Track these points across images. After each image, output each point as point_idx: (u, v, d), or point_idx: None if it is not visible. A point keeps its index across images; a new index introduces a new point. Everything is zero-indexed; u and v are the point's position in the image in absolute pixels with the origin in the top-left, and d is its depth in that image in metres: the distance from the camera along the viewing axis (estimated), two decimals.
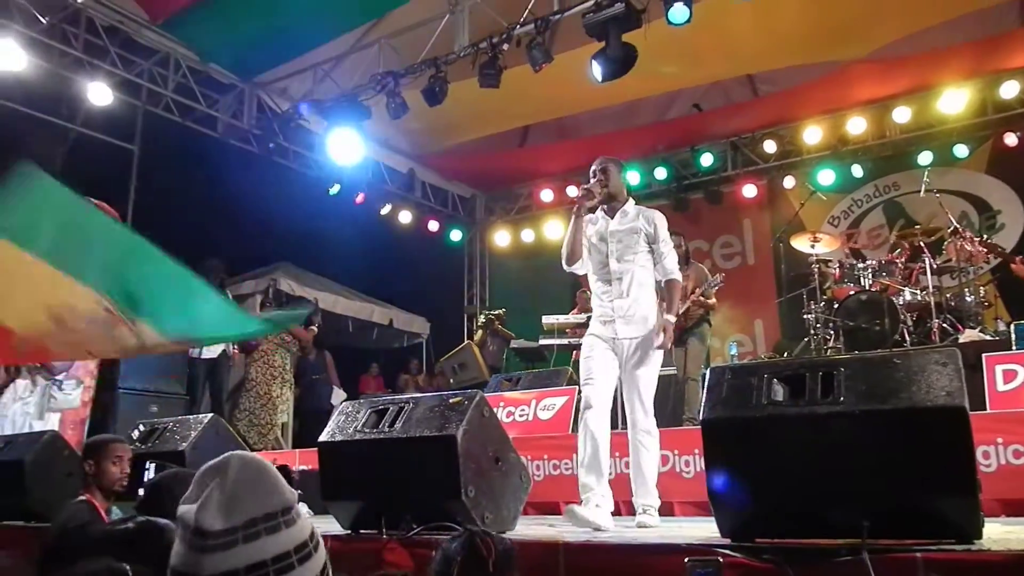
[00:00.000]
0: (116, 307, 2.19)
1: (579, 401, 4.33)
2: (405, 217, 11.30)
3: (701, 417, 2.63)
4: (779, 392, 2.54)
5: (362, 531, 3.43)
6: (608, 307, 4.04)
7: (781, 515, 2.48)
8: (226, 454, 1.35)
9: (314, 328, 8.56)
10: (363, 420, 3.46)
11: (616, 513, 4.27)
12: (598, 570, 2.79)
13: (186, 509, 1.29)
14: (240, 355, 8.10)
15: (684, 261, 4.14)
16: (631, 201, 4.23)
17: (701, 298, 6.59)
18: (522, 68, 7.35)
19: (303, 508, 1.49)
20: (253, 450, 6.20)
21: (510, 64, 7.46)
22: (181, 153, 9.09)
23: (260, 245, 10.07)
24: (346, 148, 8.89)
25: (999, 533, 2.55)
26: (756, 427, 2.51)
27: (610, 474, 4.01)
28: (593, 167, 4.19)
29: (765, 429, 2.50)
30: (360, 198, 10.72)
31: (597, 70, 6.85)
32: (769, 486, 2.49)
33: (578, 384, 6.28)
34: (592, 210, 4.17)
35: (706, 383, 2.68)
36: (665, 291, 4.17)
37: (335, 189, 10.35)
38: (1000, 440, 3.84)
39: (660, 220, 4.15)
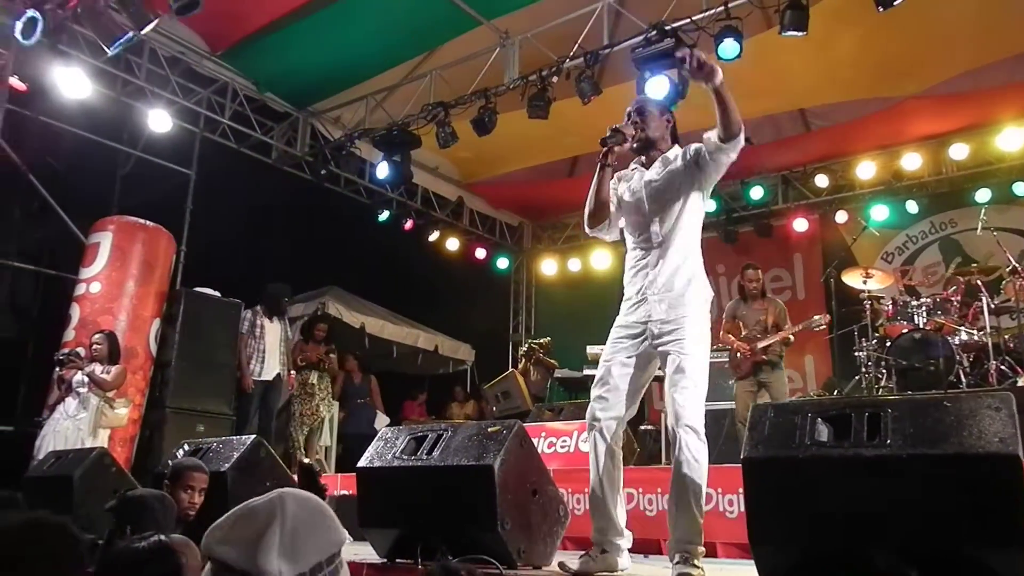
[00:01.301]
0: None
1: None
2: (453, 244, 11.40)
3: (742, 456, 2.58)
4: (823, 432, 2.48)
5: (398, 560, 3.43)
6: (640, 282, 3.34)
7: (823, 561, 2.40)
8: (276, 492, 1.30)
9: (322, 347, 8.55)
10: (402, 447, 3.47)
11: (712, 555, 4.10)
12: None
13: (229, 551, 1.21)
14: (294, 376, 8.22)
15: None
16: (676, 147, 3.46)
17: (785, 334, 6.71)
18: (571, 100, 7.40)
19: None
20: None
21: (559, 96, 7.53)
22: (236, 178, 9.32)
23: (310, 269, 10.24)
24: (394, 175, 9.02)
25: None
26: (798, 468, 2.45)
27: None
28: (629, 108, 3.50)
29: (808, 470, 2.43)
30: (409, 224, 10.88)
31: (654, 87, 6.75)
32: (811, 530, 2.42)
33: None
34: (623, 161, 3.48)
35: (748, 421, 2.62)
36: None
37: (385, 215, 10.52)
38: None
39: (687, 149, 3.39)
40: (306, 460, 2.46)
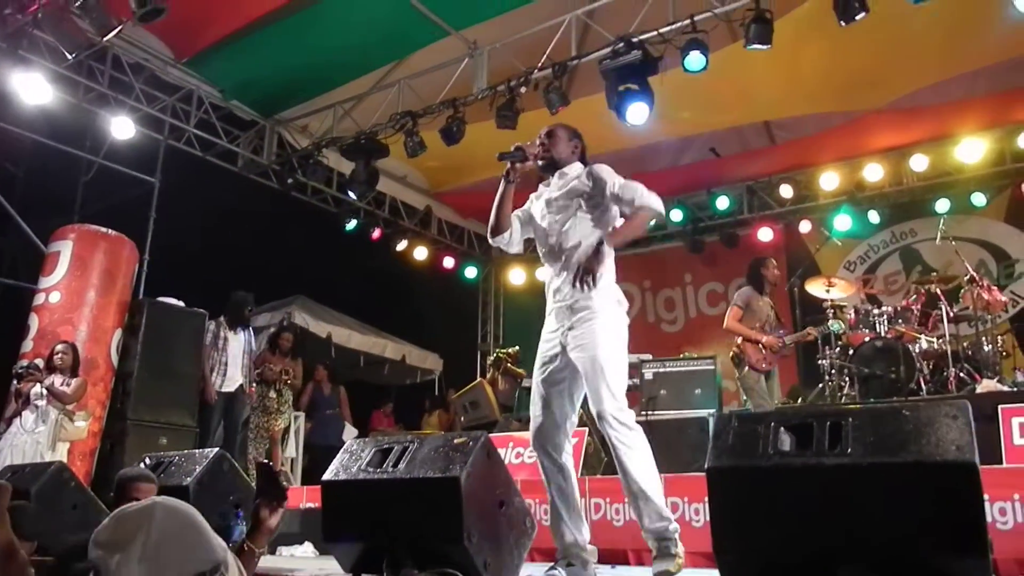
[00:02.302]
0: None
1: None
2: (421, 253, 11.36)
3: (706, 465, 2.59)
4: (786, 441, 2.50)
5: (364, 574, 3.39)
6: (555, 294, 3.50)
7: (787, 570, 2.42)
8: (151, 499, 1.23)
9: (287, 360, 8.43)
10: (367, 459, 3.44)
11: (624, 562, 4.18)
12: None
13: (102, 556, 1.17)
14: (255, 388, 8.10)
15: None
16: (577, 164, 3.63)
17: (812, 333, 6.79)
18: (539, 111, 7.42)
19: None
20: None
21: (527, 107, 7.55)
22: (201, 187, 9.22)
23: (277, 279, 10.16)
24: (361, 185, 8.95)
25: None
26: (761, 477, 2.46)
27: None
28: (541, 130, 3.68)
29: (771, 479, 2.45)
30: (377, 234, 10.83)
31: (635, 114, 6.83)
32: (775, 539, 2.44)
33: (588, 427, 6.27)
34: (538, 179, 3.68)
35: (712, 430, 2.64)
36: (629, 219, 3.45)
37: (352, 224, 10.46)
38: (1017, 496, 3.74)
39: (604, 169, 3.52)
40: (263, 459, 2.42)
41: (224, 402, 7.75)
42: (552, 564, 3.38)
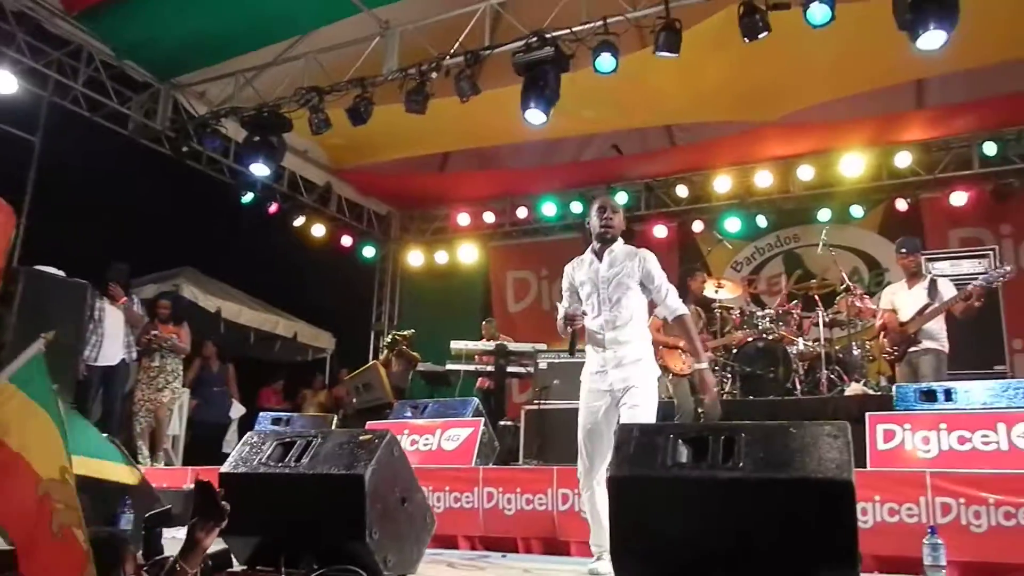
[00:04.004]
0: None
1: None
2: (318, 230, 11.11)
3: (608, 474, 2.72)
4: (683, 453, 2.66)
5: (259, 568, 3.37)
6: (601, 356, 3.97)
7: (679, 573, 2.58)
8: None
9: (170, 326, 8.09)
10: (268, 453, 3.41)
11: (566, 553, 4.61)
12: None
13: None
14: (143, 361, 7.77)
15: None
16: (620, 240, 4.14)
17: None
18: (449, 99, 7.40)
19: None
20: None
21: (437, 93, 7.51)
22: (87, 149, 8.72)
23: (165, 249, 9.76)
24: (259, 164, 8.62)
25: None
26: (660, 487, 2.61)
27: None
28: (601, 204, 4.12)
29: (668, 489, 2.60)
30: (274, 208, 10.53)
31: (535, 116, 6.92)
32: (669, 544, 2.59)
33: (484, 416, 6.37)
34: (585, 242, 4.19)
35: (615, 440, 2.77)
36: (680, 331, 4.19)
37: (249, 197, 10.13)
38: (877, 498, 4.09)
39: (652, 263, 4.07)
40: (202, 478, 2.35)
41: (101, 376, 7.42)
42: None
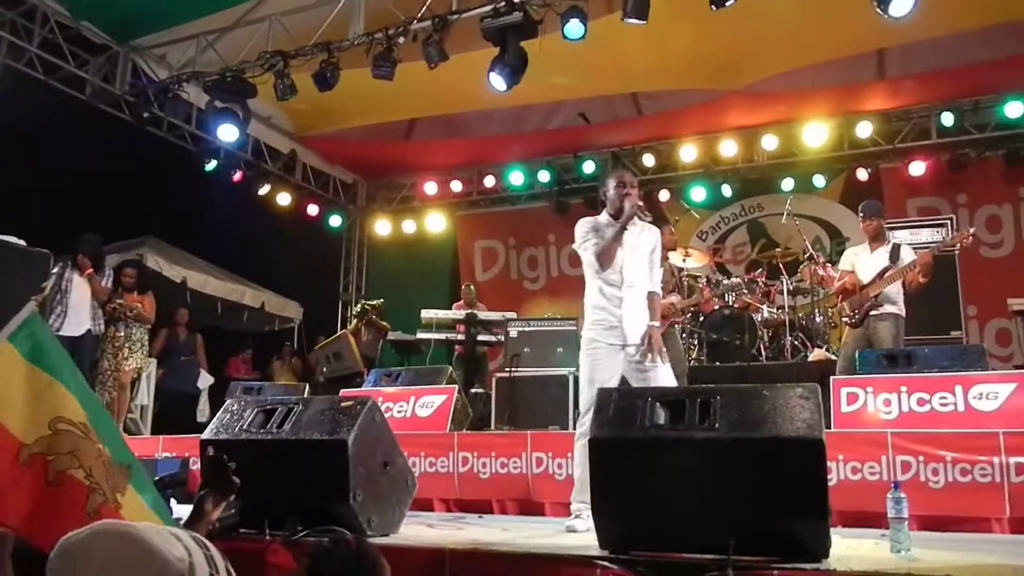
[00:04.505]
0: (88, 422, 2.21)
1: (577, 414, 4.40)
2: (284, 199, 10.98)
3: (589, 436, 2.80)
4: (661, 416, 2.75)
5: (243, 530, 3.40)
6: (617, 313, 4.20)
7: (657, 531, 2.68)
8: (91, 528, 1.17)
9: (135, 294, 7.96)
10: (250, 419, 3.43)
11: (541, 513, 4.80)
12: None
13: None
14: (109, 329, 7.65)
15: None
16: (639, 223, 4.42)
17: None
18: (416, 64, 7.33)
19: (185, 539, 1.27)
20: None
21: (404, 58, 7.44)
22: (43, 115, 8.49)
23: (127, 218, 9.56)
24: (227, 125, 8.49)
25: (843, 549, 2.86)
26: (639, 448, 2.70)
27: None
28: (630, 180, 4.37)
29: (647, 450, 2.69)
30: (238, 176, 10.38)
31: (498, 81, 6.92)
32: (647, 503, 2.69)
33: (458, 384, 6.44)
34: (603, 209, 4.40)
35: (595, 404, 2.85)
36: (650, 302, 4.38)
37: (212, 165, 9.97)
38: (841, 457, 4.25)
39: (658, 236, 4.45)
40: (211, 450, 2.35)
41: (67, 347, 7.29)
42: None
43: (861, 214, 6.55)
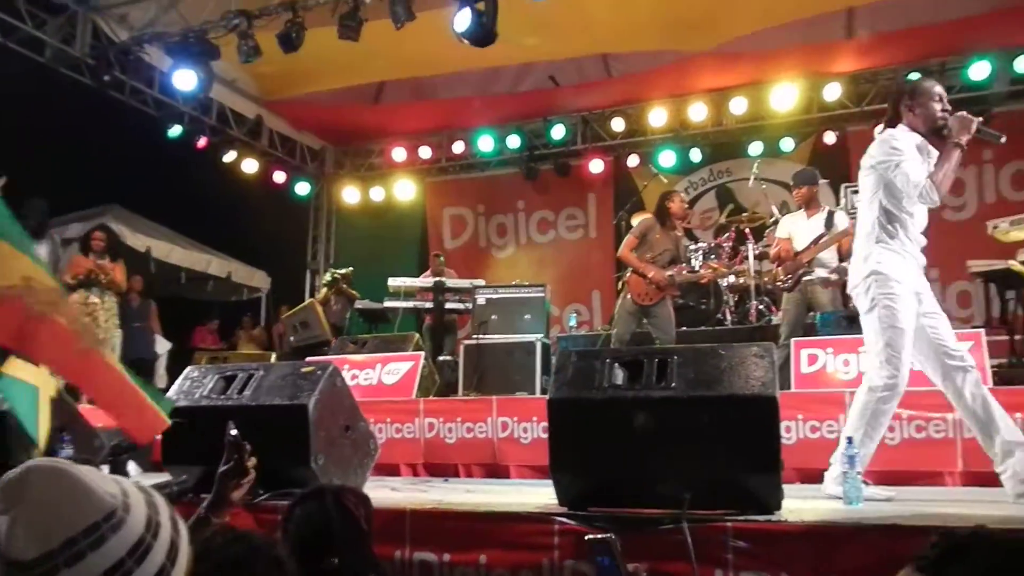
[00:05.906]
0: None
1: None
2: (250, 166, 10.78)
3: (548, 396, 2.82)
4: (619, 376, 2.77)
5: (203, 495, 3.39)
6: (920, 258, 3.53)
7: (615, 487, 2.72)
8: (25, 465, 1.18)
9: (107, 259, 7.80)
10: (210, 386, 3.42)
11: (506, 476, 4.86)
12: (443, 536, 2.93)
13: None
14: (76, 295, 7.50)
15: None
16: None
17: None
18: (383, 23, 7.21)
19: (133, 470, 1.34)
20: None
21: (371, 17, 7.32)
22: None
23: (88, 185, 9.37)
24: (184, 71, 8.25)
25: (796, 503, 2.92)
26: (597, 408, 2.72)
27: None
28: (941, 91, 3.56)
29: (605, 409, 2.72)
30: (203, 142, 10.18)
31: (462, 21, 6.73)
32: (606, 461, 2.72)
33: (425, 351, 6.44)
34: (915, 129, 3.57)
35: (554, 364, 2.86)
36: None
37: (176, 131, 9.77)
38: (800, 416, 4.33)
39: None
40: (233, 432, 2.35)
41: None
42: None
43: (792, 182, 6.66)
